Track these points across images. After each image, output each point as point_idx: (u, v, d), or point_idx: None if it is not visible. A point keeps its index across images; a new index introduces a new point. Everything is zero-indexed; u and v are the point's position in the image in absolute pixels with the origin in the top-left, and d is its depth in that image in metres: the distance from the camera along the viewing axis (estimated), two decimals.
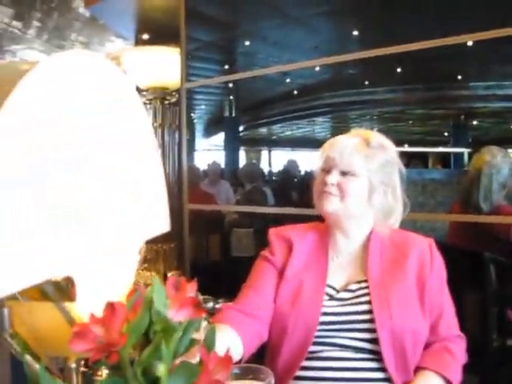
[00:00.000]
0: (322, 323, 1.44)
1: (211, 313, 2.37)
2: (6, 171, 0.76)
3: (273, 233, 1.66)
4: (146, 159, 1.15)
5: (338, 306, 1.47)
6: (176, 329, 0.76)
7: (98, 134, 0.99)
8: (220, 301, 2.53)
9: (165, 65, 3.49)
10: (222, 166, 4.76)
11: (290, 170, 5.03)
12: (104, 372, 1.20)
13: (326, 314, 1.45)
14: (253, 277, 1.60)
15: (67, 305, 0.92)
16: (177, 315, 0.77)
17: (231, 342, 1.38)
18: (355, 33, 4.23)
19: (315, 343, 1.44)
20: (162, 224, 1.19)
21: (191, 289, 0.82)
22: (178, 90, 3.53)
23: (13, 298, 0.86)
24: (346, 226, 1.56)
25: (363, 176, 1.51)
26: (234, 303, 1.56)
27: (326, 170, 1.53)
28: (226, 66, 4.76)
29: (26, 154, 0.80)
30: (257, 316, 1.49)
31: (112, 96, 1.04)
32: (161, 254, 3.09)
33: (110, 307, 0.75)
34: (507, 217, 2.50)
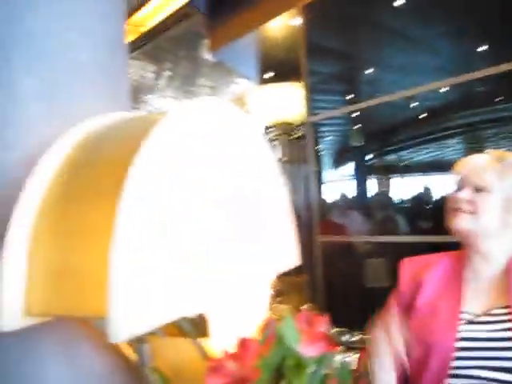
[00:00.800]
0: (460, 349, 1.34)
1: (348, 346, 2.34)
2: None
3: (402, 264, 1.61)
4: (271, 196, 1.17)
5: (477, 330, 1.36)
6: (308, 364, 0.75)
7: (225, 171, 1.03)
8: (356, 333, 2.49)
9: (288, 100, 3.56)
10: (352, 196, 4.72)
11: (422, 196, 4.88)
12: None
13: (463, 339, 1.35)
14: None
15: (202, 340, 0.95)
16: (309, 350, 0.77)
17: None
18: (480, 49, 4.07)
19: (453, 375, 1.33)
20: (292, 258, 1.20)
21: (323, 323, 0.81)
22: (303, 124, 3.58)
23: (153, 333, 0.90)
24: (484, 247, 1.45)
25: (496, 193, 1.42)
26: None
27: (459, 188, 1.47)
28: (349, 96, 4.77)
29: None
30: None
31: (236, 137, 1.08)
32: (295, 286, 3.10)
33: (243, 343, 0.76)
34: None
